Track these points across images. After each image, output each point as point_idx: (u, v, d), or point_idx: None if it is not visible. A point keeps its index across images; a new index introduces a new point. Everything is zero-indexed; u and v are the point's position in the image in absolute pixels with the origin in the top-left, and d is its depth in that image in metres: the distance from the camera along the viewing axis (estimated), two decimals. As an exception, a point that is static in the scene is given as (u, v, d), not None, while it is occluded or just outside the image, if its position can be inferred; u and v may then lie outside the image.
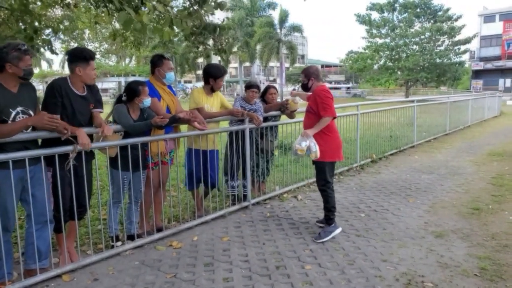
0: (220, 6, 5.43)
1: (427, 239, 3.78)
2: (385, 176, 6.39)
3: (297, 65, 51.68)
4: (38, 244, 2.90)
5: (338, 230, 3.92)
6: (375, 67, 42.12)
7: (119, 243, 3.59)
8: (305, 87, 4.08)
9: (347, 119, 6.92)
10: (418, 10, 39.42)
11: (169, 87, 4.05)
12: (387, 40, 40.22)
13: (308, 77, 3.99)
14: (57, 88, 3.00)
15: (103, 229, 3.62)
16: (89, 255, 3.39)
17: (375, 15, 40.49)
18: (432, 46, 38.63)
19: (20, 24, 6.51)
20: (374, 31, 40.57)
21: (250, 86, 4.80)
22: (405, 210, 4.66)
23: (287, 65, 44.48)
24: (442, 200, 5.00)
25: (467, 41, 38.31)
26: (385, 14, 40.34)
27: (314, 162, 4.01)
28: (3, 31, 6.07)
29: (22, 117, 2.75)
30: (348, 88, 52.67)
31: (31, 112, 2.83)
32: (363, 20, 40.11)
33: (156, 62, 3.86)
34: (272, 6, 41.48)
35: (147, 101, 3.53)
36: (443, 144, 9.67)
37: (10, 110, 2.70)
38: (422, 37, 38.68)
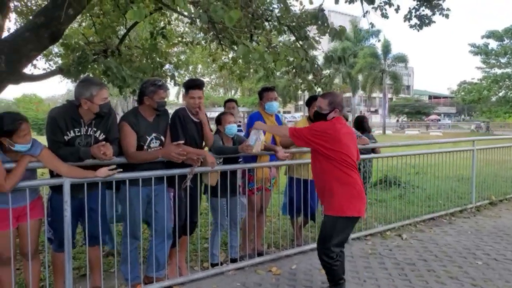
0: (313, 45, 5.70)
1: None
2: (507, 222, 5.66)
3: (401, 95, 49.41)
4: (157, 256, 3.25)
5: None
6: (493, 98, 38.06)
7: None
8: (320, 117, 3.17)
9: (460, 154, 6.36)
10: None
11: (277, 117, 4.25)
12: (508, 70, 36.20)
13: (333, 107, 3.12)
14: (178, 117, 3.39)
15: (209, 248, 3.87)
16: (196, 271, 3.65)
17: (493, 44, 36.94)
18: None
19: (148, 60, 7.52)
20: (492, 61, 36.91)
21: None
22: (533, 262, 4.06)
23: (390, 95, 42.81)
24: None
25: None
26: (505, 41, 36.51)
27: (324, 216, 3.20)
28: (139, 66, 7.05)
29: (156, 142, 3.17)
30: (480, 125, 42.85)
31: (162, 138, 3.26)
32: (479, 50, 36.76)
33: (259, 94, 4.18)
34: (376, 34, 40.50)
35: (229, 127, 3.72)
36: None
37: (147, 137, 3.15)
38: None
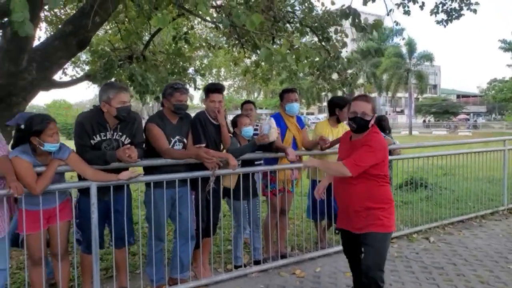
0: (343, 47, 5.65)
1: None
2: (541, 224, 5.42)
3: (428, 95, 48.24)
4: (181, 257, 3.30)
5: None
6: (526, 97, 36.63)
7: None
8: (363, 124, 2.68)
9: (491, 155, 6.14)
10: None
11: (298, 119, 4.23)
12: (542, 67, 34.79)
13: (374, 112, 2.74)
14: (199, 120, 3.43)
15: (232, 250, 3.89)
16: (220, 273, 3.68)
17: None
18: None
19: (172, 65, 7.66)
20: (525, 57, 35.53)
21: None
22: None
23: (416, 95, 41.88)
24: None
25: None
26: (539, 37, 35.11)
27: (365, 237, 2.74)
28: (159, 72, 7.20)
29: (179, 144, 3.23)
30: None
31: (185, 141, 3.31)
32: (510, 46, 35.45)
33: (280, 95, 4.19)
34: (400, 33, 39.64)
35: (245, 130, 3.73)
36: None
37: (171, 138, 3.22)
38: None
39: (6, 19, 4.01)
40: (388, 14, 6.10)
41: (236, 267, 3.79)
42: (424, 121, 55.11)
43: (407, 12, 6.68)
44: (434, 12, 6.97)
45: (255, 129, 4.29)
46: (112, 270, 3.35)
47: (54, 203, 2.82)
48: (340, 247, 4.29)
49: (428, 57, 38.11)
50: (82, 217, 3.00)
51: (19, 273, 3.66)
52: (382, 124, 5.37)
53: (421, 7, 6.65)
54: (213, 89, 3.48)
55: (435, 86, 64.90)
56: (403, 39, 39.81)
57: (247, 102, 4.61)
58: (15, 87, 4.24)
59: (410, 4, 6.56)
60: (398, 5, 6.55)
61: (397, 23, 6.64)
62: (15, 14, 2.24)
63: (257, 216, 3.94)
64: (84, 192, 2.95)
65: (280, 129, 4.00)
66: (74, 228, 3.07)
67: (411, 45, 37.50)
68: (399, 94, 47.74)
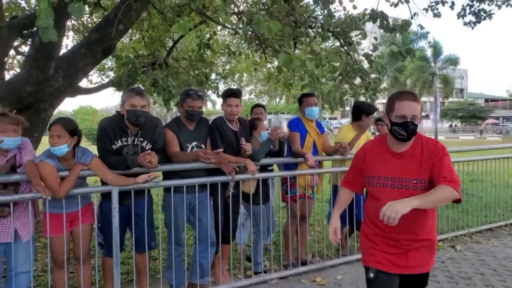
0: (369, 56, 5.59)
1: None
2: None
3: (454, 99, 46.98)
4: (201, 263, 3.30)
5: None
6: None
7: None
8: (412, 134, 2.03)
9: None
10: None
11: (318, 124, 4.19)
12: None
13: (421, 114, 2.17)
14: (216, 125, 3.44)
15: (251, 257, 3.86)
16: (240, 279, 3.66)
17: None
18: None
19: (194, 71, 7.77)
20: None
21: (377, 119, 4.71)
22: None
23: (442, 99, 40.85)
24: None
25: None
26: None
27: (420, 279, 2.12)
28: (182, 78, 7.32)
29: (196, 150, 3.25)
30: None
31: (203, 146, 3.33)
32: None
33: (299, 100, 4.17)
34: (425, 37, 38.79)
35: (264, 134, 3.71)
36: None
37: (187, 144, 3.25)
38: None
39: (35, 28, 4.16)
40: (412, 18, 5.98)
41: (256, 273, 3.77)
42: (451, 125, 53.67)
43: (437, 15, 6.53)
44: (461, 15, 6.79)
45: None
46: (132, 274, 3.39)
47: (76, 207, 2.88)
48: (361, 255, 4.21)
49: (454, 61, 37.22)
50: (104, 221, 3.04)
51: (44, 275, 3.74)
52: None
53: (451, 7, 6.49)
54: (229, 94, 3.50)
55: (461, 90, 63.12)
56: (429, 42, 38.88)
57: (257, 105, 4.59)
58: (43, 93, 4.38)
59: (439, 6, 6.42)
60: (426, 9, 6.41)
61: (421, 27, 6.51)
62: (40, 20, 2.33)
63: (273, 220, 3.92)
64: (106, 197, 3.00)
65: (300, 133, 3.98)
66: (96, 231, 3.12)
67: (436, 48, 36.72)
68: (423, 98, 46.66)
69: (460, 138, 35.87)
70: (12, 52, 6.76)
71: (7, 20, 5.09)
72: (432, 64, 37.55)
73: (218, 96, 7.62)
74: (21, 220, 2.72)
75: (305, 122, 4.08)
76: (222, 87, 10.54)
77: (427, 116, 57.01)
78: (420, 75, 37.16)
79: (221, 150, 3.25)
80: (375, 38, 5.97)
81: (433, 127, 39.97)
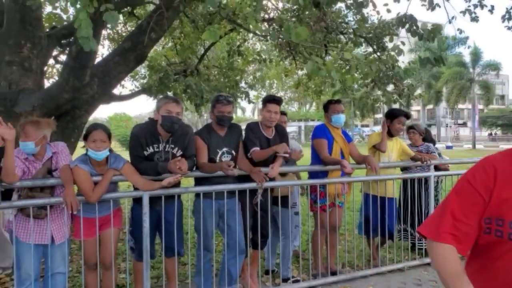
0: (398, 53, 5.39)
1: None
2: None
3: (494, 106, 45.04)
4: (230, 269, 3.29)
5: None
6: None
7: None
8: None
9: None
10: None
11: (344, 132, 4.08)
12: None
13: None
14: (250, 129, 3.45)
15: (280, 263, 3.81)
16: (268, 286, 3.62)
17: None
18: None
19: (225, 79, 7.84)
20: None
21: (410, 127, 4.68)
22: None
23: (480, 106, 39.20)
24: None
25: None
26: None
27: None
28: (212, 85, 7.41)
29: (227, 156, 3.26)
30: None
31: (233, 152, 3.32)
32: None
33: (324, 107, 4.08)
34: (463, 42, 37.27)
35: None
36: None
37: (218, 150, 3.26)
38: None
39: (72, 38, 4.33)
40: (450, 22, 5.76)
41: (284, 280, 3.71)
42: (490, 134, 51.44)
43: (474, 19, 6.25)
44: (506, 18, 6.47)
45: None
46: (162, 278, 3.42)
47: (107, 211, 2.95)
48: (394, 266, 4.07)
49: (495, 67, 35.59)
50: (135, 225, 3.10)
51: (78, 276, 3.85)
52: (425, 136, 4.92)
53: (491, 11, 6.19)
54: (270, 100, 3.50)
55: (502, 97, 60.52)
56: (468, 47, 37.21)
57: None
58: (78, 101, 4.54)
59: (477, 10, 6.13)
60: (463, 12, 6.15)
61: (460, 31, 6.23)
62: (81, 31, 2.41)
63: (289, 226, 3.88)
64: (138, 201, 3.05)
65: (327, 140, 3.90)
66: (127, 236, 3.18)
67: (476, 54, 35.31)
68: (461, 106, 45.04)
69: (500, 147, 34.24)
70: (51, 61, 7.07)
71: (47, 30, 5.33)
72: (471, 70, 36.10)
73: (249, 102, 7.64)
74: (57, 222, 2.81)
75: (331, 129, 3.99)
76: (252, 94, 10.59)
77: (464, 124, 54.89)
78: (458, 81, 35.78)
79: (257, 148, 3.25)
80: (403, 43, 5.79)
81: (471, 135, 38.48)
